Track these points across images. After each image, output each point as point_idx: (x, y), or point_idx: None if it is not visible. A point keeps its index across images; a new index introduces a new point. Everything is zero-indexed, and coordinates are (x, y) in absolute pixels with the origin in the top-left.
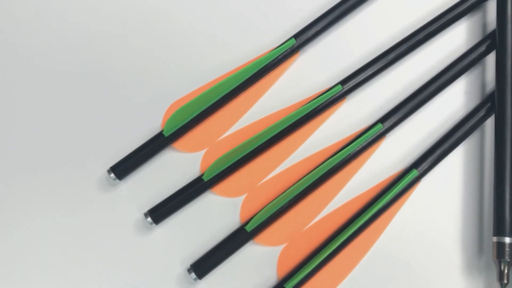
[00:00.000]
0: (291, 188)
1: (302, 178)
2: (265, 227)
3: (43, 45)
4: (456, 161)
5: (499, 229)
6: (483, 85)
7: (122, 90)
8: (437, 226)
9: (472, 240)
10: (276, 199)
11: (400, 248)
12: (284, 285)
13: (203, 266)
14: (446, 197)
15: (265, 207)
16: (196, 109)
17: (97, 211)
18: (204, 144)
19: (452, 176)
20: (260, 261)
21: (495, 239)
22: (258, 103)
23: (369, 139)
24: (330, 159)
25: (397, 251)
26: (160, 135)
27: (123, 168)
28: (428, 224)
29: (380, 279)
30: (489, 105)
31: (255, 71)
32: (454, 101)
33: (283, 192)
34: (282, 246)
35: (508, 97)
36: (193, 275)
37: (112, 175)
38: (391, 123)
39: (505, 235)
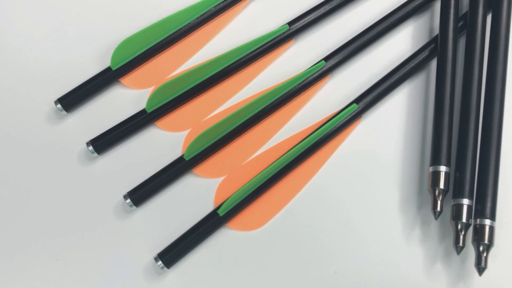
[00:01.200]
0: (230, 116)
1: (242, 108)
2: (204, 157)
3: None
4: (400, 101)
5: (435, 159)
6: (430, 30)
7: (74, 25)
8: (378, 163)
9: (411, 178)
10: (214, 125)
11: (339, 184)
12: (217, 211)
13: (140, 193)
14: (389, 136)
15: (202, 132)
16: (144, 43)
17: (44, 142)
18: (152, 81)
19: (396, 116)
20: (198, 192)
21: (431, 169)
22: (208, 45)
23: (312, 76)
24: (270, 92)
25: (336, 186)
26: (108, 69)
27: (70, 100)
28: (369, 161)
29: (317, 212)
30: (433, 46)
31: (205, 10)
32: (401, 45)
33: (221, 120)
34: (221, 179)
35: (450, 38)
36: (129, 201)
37: (59, 106)
38: (335, 61)
39: (440, 164)
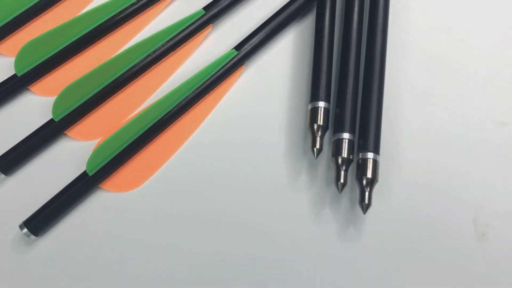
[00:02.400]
0: (100, 67)
1: (114, 58)
2: (77, 118)
3: None
4: (288, 46)
5: (314, 95)
6: None
7: None
8: (264, 111)
9: (297, 123)
10: (82, 78)
11: (223, 135)
12: (87, 171)
13: (7, 160)
14: (276, 82)
15: (67, 86)
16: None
17: None
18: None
19: (284, 61)
20: (72, 156)
21: (310, 106)
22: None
23: (191, 26)
24: (144, 41)
25: (221, 138)
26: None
27: None
28: (255, 109)
29: (199, 167)
30: None
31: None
32: None
33: (89, 72)
34: (97, 141)
35: None
36: None
37: None
38: (214, 11)
39: (318, 100)
